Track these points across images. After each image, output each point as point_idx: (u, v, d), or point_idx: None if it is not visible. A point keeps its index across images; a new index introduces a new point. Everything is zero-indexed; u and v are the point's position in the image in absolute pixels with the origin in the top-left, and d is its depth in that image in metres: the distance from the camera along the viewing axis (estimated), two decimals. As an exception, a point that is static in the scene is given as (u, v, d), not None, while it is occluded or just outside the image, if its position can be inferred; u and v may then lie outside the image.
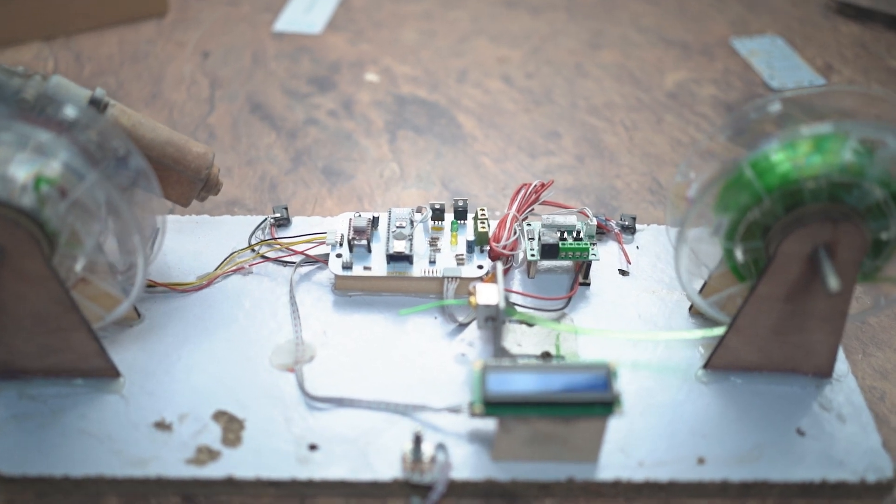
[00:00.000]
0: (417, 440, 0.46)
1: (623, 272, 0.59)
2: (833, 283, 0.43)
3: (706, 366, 0.52)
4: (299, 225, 0.62)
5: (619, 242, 0.61)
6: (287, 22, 0.91)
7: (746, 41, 0.90)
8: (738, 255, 0.48)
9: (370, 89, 0.81)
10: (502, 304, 0.49)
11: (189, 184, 0.54)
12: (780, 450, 0.48)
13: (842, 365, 0.53)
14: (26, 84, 0.50)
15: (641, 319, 0.56)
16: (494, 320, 0.50)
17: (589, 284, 0.58)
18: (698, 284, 0.55)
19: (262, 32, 0.90)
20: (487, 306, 0.50)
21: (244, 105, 0.78)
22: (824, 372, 0.52)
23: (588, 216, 0.59)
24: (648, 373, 0.52)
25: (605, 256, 0.60)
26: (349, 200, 0.68)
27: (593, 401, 0.44)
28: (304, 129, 0.75)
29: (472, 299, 0.51)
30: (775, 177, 0.44)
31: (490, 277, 0.55)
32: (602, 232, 0.62)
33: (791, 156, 0.44)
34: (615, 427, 0.49)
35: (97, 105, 0.51)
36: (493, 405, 0.44)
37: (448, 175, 0.71)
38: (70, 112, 0.44)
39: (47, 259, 0.44)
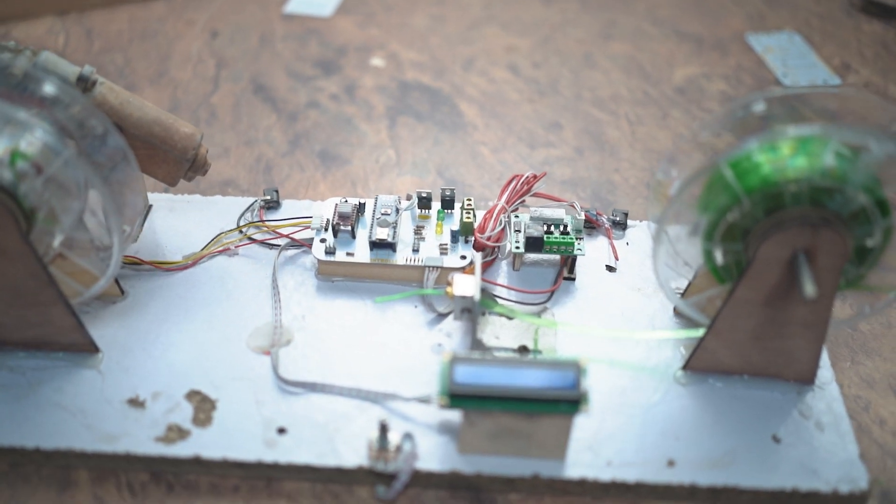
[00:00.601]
0: (383, 429, 0.46)
1: (610, 268, 0.58)
2: (810, 289, 0.42)
3: (685, 367, 0.51)
4: (289, 208, 0.62)
5: (609, 238, 0.60)
6: (298, 4, 0.91)
7: (762, 37, 0.88)
8: (718, 256, 0.47)
9: (375, 74, 0.81)
10: (477, 296, 0.49)
11: (175, 163, 0.55)
12: (753, 456, 0.47)
13: (826, 372, 0.52)
14: (15, 59, 0.50)
15: (625, 317, 0.55)
16: (470, 312, 0.50)
17: (574, 279, 0.57)
18: (683, 284, 0.54)
19: (272, 13, 0.90)
20: (463, 297, 0.50)
21: (248, 86, 0.78)
22: (806, 378, 0.51)
23: (576, 210, 0.58)
24: (626, 371, 0.52)
25: (594, 252, 0.59)
26: (343, 185, 0.68)
27: (559, 398, 0.44)
28: (304, 112, 0.75)
29: (448, 290, 0.50)
30: (756, 178, 0.43)
31: (471, 268, 0.54)
32: (592, 227, 0.61)
33: (772, 157, 0.43)
34: (585, 425, 0.48)
35: (85, 82, 0.51)
36: (457, 397, 0.44)
37: (444, 163, 0.70)
38: (49, 89, 0.44)
39: (24, 234, 0.45)
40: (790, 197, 0.43)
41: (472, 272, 0.54)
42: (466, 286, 0.50)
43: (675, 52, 0.86)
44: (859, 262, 0.46)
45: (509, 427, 0.45)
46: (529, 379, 0.44)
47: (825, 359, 0.52)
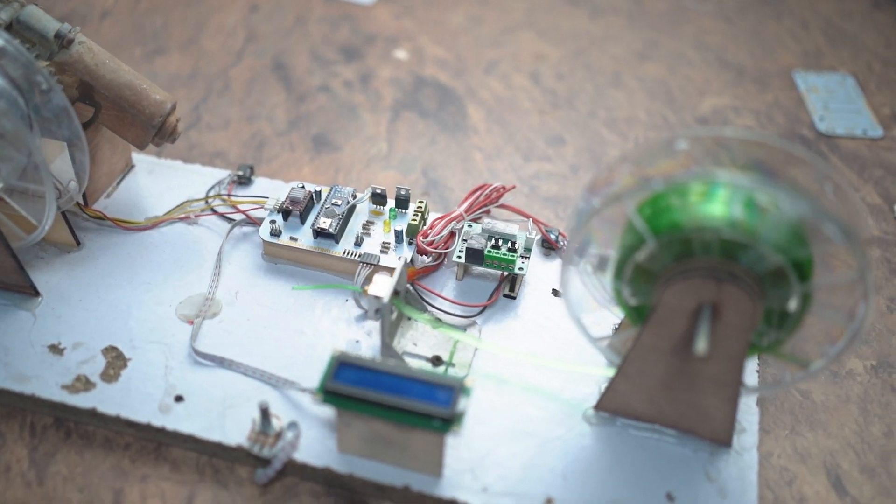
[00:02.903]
0: (265, 413, 0.46)
1: (556, 292, 0.57)
2: (700, 345, 0.40)
3: (596, 407, 0.49)
4: (260, 186, 0.63)
5: (565, 262, 0.58)
6: (343, -12, 0.92)
7: (811, 76, 0.83)
8: (628, 297, 0.45)
9: (395, 66, 0.81)
10: (387, 299, 0.49)
11: (143, 128, 0.57)
12: (640, 510, 0.45)
13: (750, 437, 0.49)
14: (3, 8, 0.53)
15: (556, 344, 0.53)
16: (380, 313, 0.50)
17: (514, 298, 0.56)
18: (618, 320, 0.52)
19: (315, -5, 0.91)
20: (376, 298, 0.49)
21: (269, 63, 0.80)
22: (722, 439, 0.48)
23: (528, 228, 0.57)
24: (538, 399, 0.50)
25: (546, 273, 0.58)
26: (326, 171, 0.68)
27: (430, 414, 0.43)
28: (314, 95, 0.76)
29: (365, 288, 0.50)
30: (666, 221, 0.41)
31: (411, 270, 0.54)
32: (552, 248, 0.59)
33: (688, 202, 0.41)
34: (475, 445, 0.47)
35: (61, 39, 0.54)
36: (331, 395, 0.44)
37: (433, 163, 0.70)
38: (-1, 42, 0.47)
39: (-34, 174, 0.47)
40: (700, 246, 0.40)
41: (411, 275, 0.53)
42: (381, 287, 0.49)
43: (710, 80, 0.82)
44: (779, 326, 0.43)
45: (384, 434, 0.45)
46: (408, 390, 0.44)
47: (754, 423, 0.49)
